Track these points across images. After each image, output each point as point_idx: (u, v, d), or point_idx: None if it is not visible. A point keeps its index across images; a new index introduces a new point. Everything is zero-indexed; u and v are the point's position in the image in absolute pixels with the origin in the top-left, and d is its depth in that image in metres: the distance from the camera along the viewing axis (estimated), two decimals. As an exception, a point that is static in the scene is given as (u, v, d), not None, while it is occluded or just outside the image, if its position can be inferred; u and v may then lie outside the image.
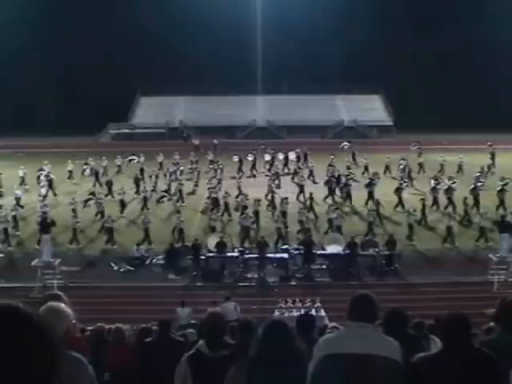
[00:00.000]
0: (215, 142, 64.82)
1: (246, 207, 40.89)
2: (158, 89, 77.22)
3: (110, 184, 47.97)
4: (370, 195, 43.99)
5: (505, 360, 5.63)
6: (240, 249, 34.31)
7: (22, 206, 42.76)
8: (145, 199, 44.31)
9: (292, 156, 57.01)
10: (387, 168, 52.94)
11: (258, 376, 6.09)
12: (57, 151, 63.68)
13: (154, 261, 35.12)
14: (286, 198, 41.12)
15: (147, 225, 37.58)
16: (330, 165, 50.70)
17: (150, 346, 12.10)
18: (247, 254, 33.90)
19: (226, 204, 42.52)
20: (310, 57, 78.60)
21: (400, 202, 43.05)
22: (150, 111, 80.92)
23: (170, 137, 74.90)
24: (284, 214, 39.23)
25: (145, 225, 37.62)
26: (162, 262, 34.77)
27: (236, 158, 55.25)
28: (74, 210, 40.62)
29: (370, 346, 5.62)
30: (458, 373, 5.44)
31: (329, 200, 44.72)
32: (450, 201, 42.32)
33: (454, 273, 32.71)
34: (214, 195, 43.75)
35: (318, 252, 34.10)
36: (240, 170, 54.13)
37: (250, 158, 55.99)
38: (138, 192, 46.97)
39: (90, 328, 14.81)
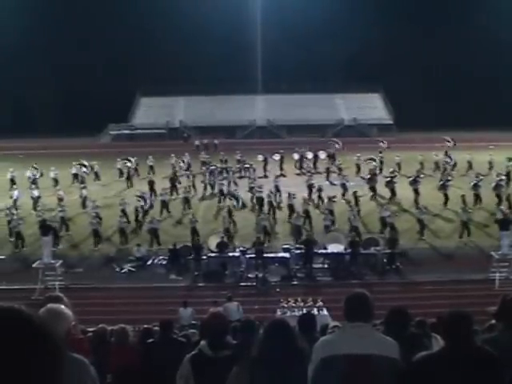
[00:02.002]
0: (216, 142, 64.82)
1: (292, 206, 41.26)
2: (157, 89, 77.22)
3: (151, 184, 47.91)
4: (416, 192, 44.35)
5: (507, 358, 5.62)
6: (241, 249, 34.28)
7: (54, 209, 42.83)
8: (186, 199, 44.36)
9: (322, 155, 57.02)
10: (399, 166, 53.09)
11: (260, 376, 6.09)
12: (57, 152, 63.73)
13: (155, 261, 35.14)
14: (334, 197, 41.49)
15: (195, 224, 37.50)
16: (369, 158, 52.23)
17: (152, 346, 12.10)
18: (248, 253, 33.89)
19: (271, 203, 42.65)
20: (309, 56, 78.53)
21: (446, 199, 43.46)
22: (150, 112, 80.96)
23: (170, 137, 74.93)
24: (331, 212, 39.39)
25: (193, 224, 37.44)
26: (164, 262, 34.78)
27: (261, 158, 55.40)
28: (123, 211, 40.64)
29: (368, 345, 5.61)
30: (460, 371, 5.44)
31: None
32: (478, 197, 42.98)
33: (456, 271, 32.68)
34: (258, 195, 44.01)
35: (319, 251, 34.10)
36: (265, 169, 54.42)
37: (277, 157, 56.20)
38: (172, 192, 47.13)
39: (91, 329, 14.80)
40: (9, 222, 38.49)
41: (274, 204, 43.17)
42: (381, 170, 52.47)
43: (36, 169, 51.78)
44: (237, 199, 45.35)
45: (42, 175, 50.79)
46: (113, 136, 77.73)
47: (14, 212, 39.92)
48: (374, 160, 52.96)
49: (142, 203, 42.24)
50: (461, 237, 37.28)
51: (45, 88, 79.23)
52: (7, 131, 68.96)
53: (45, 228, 34.87)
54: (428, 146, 59.31)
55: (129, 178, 51.87)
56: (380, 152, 55.91)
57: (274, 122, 77.57)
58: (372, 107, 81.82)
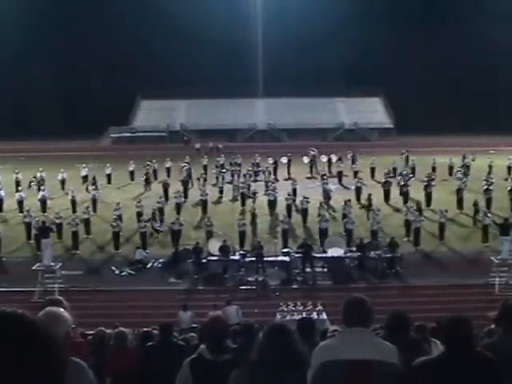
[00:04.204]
0: (220, 146, 64.86)
1: (306, 210, 41.38)
2: (158, 92, 77.35)
3: (166, 186, 47.93)
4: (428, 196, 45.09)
5: (506, 363, 5.61)
6: (241, 252, 34.28)
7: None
8: (204, 202, 44.45)
9: (334, 158, 57.19)
10: (413, 170, 53.51)
11: (259, 380, 6.07)
12: (58, 155, 63.81)
13: (155, 264, 35.10)
14: (349, 201, 41.58)
15: (243, 228, 37.37)
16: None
17: (151, 350, 12.07)
18: (248, 257, 33.89)
19: (289, 206, 42.61)
20: (310, 60, 78.63)
21: (460, 203, 43.90)
22: (150, 114, 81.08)
23: (170, 140, 74.98)
24: (345, 215, 39.37)
25: (240, 228, 37.29)
26: (164, 265, 34.74)
27: (271, 161, 55.45)
28: (139, 214, 40.72)
29: (367, 350, 5.60)
30: (459, 376, 5.42)
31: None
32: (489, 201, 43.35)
33: (456, 275, 32.65)
34: (271, 198, 44.47)
35: (318, 255, 34.09)
36: (275, 171, 54.59)
37: (284, 160, 56.30)
38: (185, 195, 47.38)
39: (91, 332, 14.79)
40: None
41: (297, 208, 43.28)
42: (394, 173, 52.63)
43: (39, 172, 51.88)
44: (250, 196, 45.41)
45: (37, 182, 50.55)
46: (113, 139, 77.77)
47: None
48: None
49: (160, 205, 42.35)
50: (485, 241, 37.28)
51: (46, 90, 79.33)
52: (8, 133, 69.01)
53: (44, 230, 34.84)
54: (428, 151, 59.43)
55: (147, 181, 51.79)
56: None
57: (275, 125, 77.62)
58: (372, 111, 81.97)
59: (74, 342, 5.80)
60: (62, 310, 5.32)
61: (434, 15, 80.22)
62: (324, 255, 34.28)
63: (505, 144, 63.70)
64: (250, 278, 32.79)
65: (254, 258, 33.46)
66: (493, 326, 11.23)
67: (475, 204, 41.11)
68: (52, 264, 32.33)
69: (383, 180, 48.28)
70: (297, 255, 33.85)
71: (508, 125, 66.17)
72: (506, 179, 49.25)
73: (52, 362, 2.47)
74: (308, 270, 33.45)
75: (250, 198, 45.29)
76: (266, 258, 33.36)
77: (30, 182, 50.20)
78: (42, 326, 2.51)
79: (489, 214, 38.37)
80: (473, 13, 78.96)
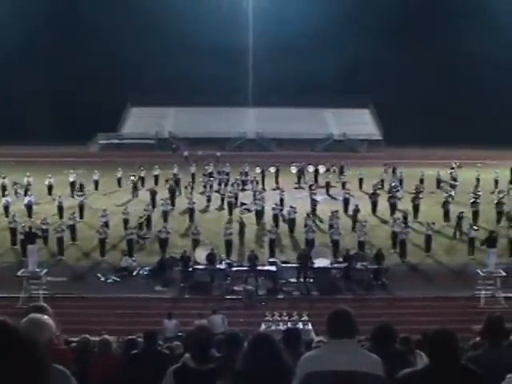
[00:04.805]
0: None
1: (293, 220, 41.48)
2: (147, 99, 77.29)
3: (154, 194, 47.87)
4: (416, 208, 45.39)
5: (491, 376, 5.61)
6: (228, 261, 34.25)
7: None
8: (191, 211, 44.43)
9: (322, 169, 57.10)
10: (422, 182, 53.72)
11: (243, 389, 6.05)
12: (46, 160, 63.69)
13: (141, 272, 34.99)
14: (337, 211, 41.57)
15: (229, 237, 37.39)
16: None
17: (135, 358, 12.01)
18: (235, 266, 33.87)
19: (276, 216, 42.67)
20: (300, 70, 78.73)
21: (447, 215, 44.05)
22: (139, 122, 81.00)
23: (159, 148, 74.93)
24: (331, 226, 39.47)
25: (226, 236, 37.28)
26: (150, 273, 34.64)
27: (258, 170, 55.58)
28: (126, 221, 40.68)
29: (352, 362, 5.59)
30: (444, 389, 5.42)
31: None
32: (500, 214, 43.93)
33: (442, 288, 32.69)
34: (258, 208, 44.48)
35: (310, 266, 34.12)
36: (263, 181, 54.58)
37: (272, 169, 56.40)
38: (173, 203, 47.29)
39: (75, 339, 14.71)
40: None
41: (284, 218, 43.36)
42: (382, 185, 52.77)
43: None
44: (248, 210, 45.32)
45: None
46: (101, 145, 77.66)
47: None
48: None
49: (148, 213, 42.32)
50: (471, 254, 37.46)
51: (35, 96, 79.05)
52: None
53: (30, 236, 34.70)
54: (416, 163, 59.69)
55: (135, 189, 51.75)
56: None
57: (264, 135, 77.68)
58: (361, 122, 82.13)
59: (57, 349, 5.75)
60: (45, 316, 5.28)
61: (422, 27, 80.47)
62: (314, 266, 34.27)
63: (492, 157, 64.08)
64: (236, 288, 32.76)
65: (247, 268, 33.49)
66: (478, 339, 11.23)
67: (459, 217, 41.27)
68: (37, 270, 32.15)
69: (371, 191, 48.42)
70: (283, 265, 33.84)
71: (496, 138, 66.46)
72: (493, 192, 49.41)
73: (35, 368, 2.45)
74: (301, 280, 33.45)
75: (249, 211, 45.16)
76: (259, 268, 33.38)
77: (14, 188, 49.98)
78: (25, 332, 2.48)
79: (475, 227, 38.53)
80: (463, 25, 79.36)
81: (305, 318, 26.69)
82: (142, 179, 54.22)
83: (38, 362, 2.50)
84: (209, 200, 49.00)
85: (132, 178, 52.39)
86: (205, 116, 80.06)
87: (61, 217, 42.99)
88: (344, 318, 5.86)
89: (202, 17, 77.87)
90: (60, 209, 44.17)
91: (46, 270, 32.37)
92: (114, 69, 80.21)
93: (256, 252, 34.67)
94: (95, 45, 78.89)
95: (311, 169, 57.63)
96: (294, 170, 57.60)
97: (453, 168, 56.69)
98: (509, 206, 44.75)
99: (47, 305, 6.17)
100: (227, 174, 55.02)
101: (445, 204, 44.53)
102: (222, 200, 48.16)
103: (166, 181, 51.92)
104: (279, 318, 26.80)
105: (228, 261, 34.45)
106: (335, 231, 37.89)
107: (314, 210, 45.42)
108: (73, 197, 48.54)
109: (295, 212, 41.91)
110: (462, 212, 41.57)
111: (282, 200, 46.07)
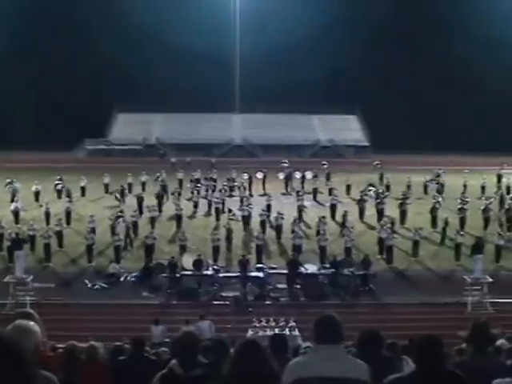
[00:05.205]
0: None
1: (280, 226, 41.61)
2: (135, 105, 77.07)
3: (141, 200, 47.79)
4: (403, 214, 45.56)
5: (477, 381, 5.63)
6: (215, 267, 34.23)
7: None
8: (178, 217, 44.35)
9: (309, 175, 57.22)
10: (408, 188, 53.77)
11: (230, 396, 6.05)
12: (33, 166, 63.49)
13: (128, 278, 34.91)
14: (324, 217, 41.75)
15: (217, 242, 37.40)
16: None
17: (122, 364, 11.99)
18: (222, 272, 33.87)
19: (263, 222, 42.74)
20: (287, 76, 78.66)
21: (434, 221, 44.29)
22: (126, 127, 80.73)
23: (146, 154, 74.80)
24: (318, 232, 39.59)
25: (214, 242, 37.31)
26: (137, 279, 34.56)
27: (246, 176, 55.51)
28: (112, 227, 40.55)
29: (339, 368, 5.60)
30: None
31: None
32: (487, 221, 44.13)
33: (429, 293, 32.77)
34: (245, 213, 44.59)
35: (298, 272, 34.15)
36: (250, 187, 54.56)
37: (260, 175, 56.38)
38: (160, 209, 47.25)
39: (62, 346, 14.67)
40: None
41: (271, 224, 43.50)
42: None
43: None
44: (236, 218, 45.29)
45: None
46: (89, 151, 77.44)
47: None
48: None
49: (135, 219, 42.21)
50: (458, 259, 37.60)
51: (21, 101, 78.82)
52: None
53: (17, 242, 34.59)
54: (403, 169, 59.90)
55: (122, 195, 51.59)
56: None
57: (251, 140, 77.68)
58: (348, 129, 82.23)
59: (44, 355, 5.74)
60: (31, 323, 5.26)
61: (410, 35, 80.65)
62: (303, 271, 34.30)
63: (480, 163, 64.34)
64: (223, 293, 32.75)
65: (235, 274, 33.51)
66: (464, 345, 11.27)
67: (445, 223, 41.46)
68: (24, 276, 32.05)
69: (358, 197, 48.51)
70: (270, 271, 33.87)
71: (483, 144, 66.75)
72: (480, 198, 49.61)
73: (20, 375, 2.45)
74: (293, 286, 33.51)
75: (237, 220, 45.11)
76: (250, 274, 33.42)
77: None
78: (10, 339, 2.48)
79: (461, 233, 38.69)
80: (450, 35, 79.69)
81: (292, 323, 26.68)
82: (130, 185, 54.03)
83: (23, 369, 2.49)
84: (196, 206, 48.97)
85: (116, 194, 52.10)
86: (192, 122, 79.96)
87: (48, 223, 42.83)
88: (330, 324, 5.88)
89: (189, 25, 77.65)
90: (47, 215, 44.03)
91: (32, 277, 32.26)
92: (102, 75, 79.99)
93: (247, 257, 34.74)
94: (82, 51, 78.66)
95: (298, 175, 57.66)
96: (281, 175, 57.56)
97: (438, 175, 56.78)
98: (498, 213, 45.19)
99: (34, 311, 6.16)
100: (214, 180, 54.94)
101: (433, 210, 44.67)
102: (209, 206, 48.16)
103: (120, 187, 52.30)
104: (266, 324, 26.78)
105: (215, 267, 34.43)
106: (322, 237, 37.97)
107: (301, 215, 45.46)
108: (59, 197, 48.69)
109: (282, 218, 41.98)
110: (447, 218, 41.88)
111: (269, 206, 46.11)
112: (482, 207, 44.94)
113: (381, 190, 51.10)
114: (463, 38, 77.95)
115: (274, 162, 61.72)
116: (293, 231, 39.14)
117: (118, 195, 51.15)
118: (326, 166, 58.95)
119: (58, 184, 52.48)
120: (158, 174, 54.39)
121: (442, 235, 41.30)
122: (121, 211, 43.54)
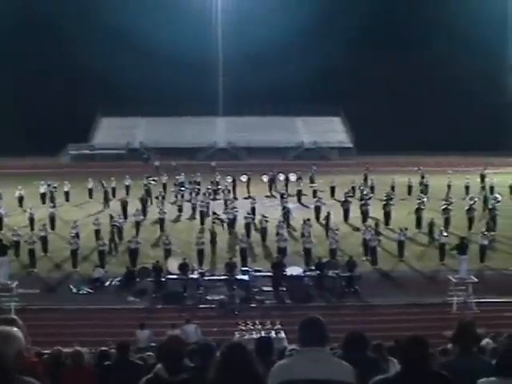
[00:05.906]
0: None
1: (265, 229, 41.68)
2: (118, 110, 76.92)
3: (125, 204, 47.67)
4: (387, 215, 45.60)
5: (462, 382, 5.65)
6: (200, 271, 34.20)
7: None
8: (162, 221, 44.31)
9: (293, 177, 57.18)
10: (393, 189, 53.85)
11: (216, 399, 6.03)
12: (16, 172, 63.28)
13: (113, 282, 34.81)
14: (309, 220, 41.70)
15: (201, 246, 37.38)
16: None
17: (108, 369, 11.96)
18: (207, 276, 33.84)
19: (248, 225, 42.75)
20: (270, 79, 78.66)
21: (419, 221, 44.45)
22: (110, 132, 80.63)
23: (130, 158, 74.70)
24: (302, 234, 39.73)
25: (199, 246, 37.29)
26: (121, 283, 34.47)
27: (230, 179, 55.38)
28: (97, 232, 40.33)
29: (324, 370, 5.60)
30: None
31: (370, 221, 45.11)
32: (471, 221, 44.14)
33: (414, 294, 32.84)
34: (230, 216, 44.47)
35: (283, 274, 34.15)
36: (234, 190, 54.55)
37: (244, 178, 56.37)
38: (144, 213, 47.11)
39: (47, 351, 14.59)
40: None
41: (256, 227, 43.54)
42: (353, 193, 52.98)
43: None
44: (222, 221, 45.14)
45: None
46: (72, 156, 77.26)
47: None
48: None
49: (118, 224, 42.04)
50: (442, 260, 37.67)
51: (4, 107, 78.46)
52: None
53: (1, 248, 34.42)
54: (387, 170, 60.07)
55: (106, 199, 51.51)
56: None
57: (235, 143, 77.72)
58: (332, 130, 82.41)
59: (28, 361, 5.70)
60: (14, 329, 5.23)
61: (394, 36, 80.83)
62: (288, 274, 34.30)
63: (464, 164, 64.64)
64: (209, 297, 32.70)
65: (220, 277, 33.50)
66: (449, 346, 11.30)
67: (431, 223, 41.61)
68: (8, 282, 31.90)
69: (343, 199, 48.56)
70: (256, 274, 33.86)
71: (468, 145, 67.13)
72: (464, 199, 49.83)
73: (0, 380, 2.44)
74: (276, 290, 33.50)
75: (222, 224, 44.99)
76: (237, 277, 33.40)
77: None
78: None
79: (444, 233, 38.75)
80: (435, 35, 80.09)
81: (278, 326, 26.65)
82: (113, 189, 53.88)
83: (3, 375, 2.48)
84: (180, 210, 48.93)
85: (103, 184, 52.14)
86: (175, 126, 79.97)
87: (32, 228, 42.65)
88: (315, 326, 5.88)
89: (171, 28, 77.56)
90: (31, 220, 43.86)
91: (17, 282, 32.10)
92: (84, 80, 79.84)
93: (234, 260, 34.74)
94: (65, 56, 78.41)
95: (282, 177, 57.72)
96: (265, 178, 57.59)
97: (423, 177, 56.93)
98: (482, 213, 45.51)
99: (19, 317, 6.13)
100: (198, 183, 54.91)
101: (418, 210, 44.83)
102: (194, 209, 48.12)
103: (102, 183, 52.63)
104: (252, 327, 26.74)
105: (200, 270, 34.39)
106: (307, 239, 38.02)
107: (285, 218, 45.49)
108: (44, 203, 48.64)
109: (267, 221, 42.01)
110: (433, 219, 42.03)
111: (253, 209, 46.12)
112: (466, 207, 45.10)
113: (365, 192, 51.19)
114: (446, 38, 78.44)
115: (258, 165, 61.73)
116: (277, 234, 39.17)
117: (103, 182, 51.82)
118: (315, 168, 58.81)
119: (43, 185, 52.41)
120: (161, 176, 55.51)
121: (429, 236, 41.39)
122: (111, 216, 43.43)
